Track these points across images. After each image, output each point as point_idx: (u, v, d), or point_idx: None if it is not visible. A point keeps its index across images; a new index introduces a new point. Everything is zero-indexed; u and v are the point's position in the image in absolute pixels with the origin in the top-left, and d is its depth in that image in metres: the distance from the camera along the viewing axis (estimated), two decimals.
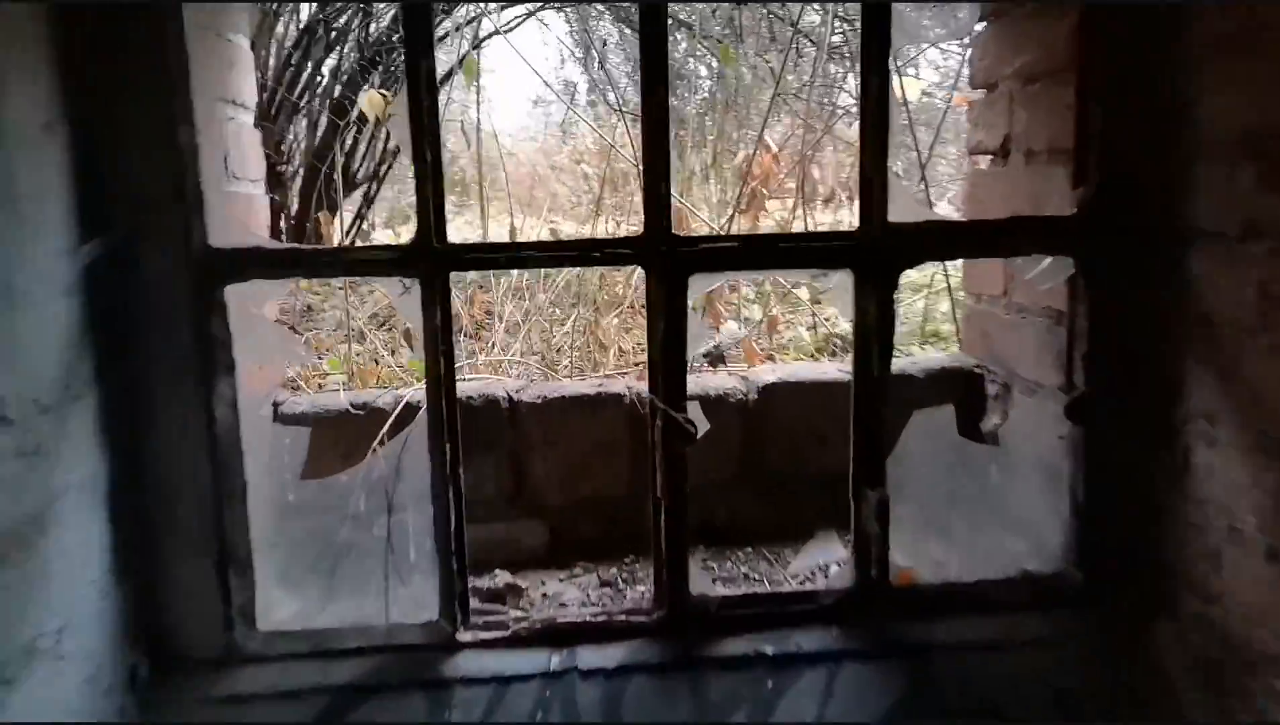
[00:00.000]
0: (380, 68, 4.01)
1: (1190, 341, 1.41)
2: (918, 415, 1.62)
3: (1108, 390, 1.49)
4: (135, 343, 1.34)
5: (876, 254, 1.45)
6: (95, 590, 1.28)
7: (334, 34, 4.10)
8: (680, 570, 1.51)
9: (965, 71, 1.97)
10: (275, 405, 1.76)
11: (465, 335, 2.93)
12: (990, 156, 1.83)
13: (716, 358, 2.34)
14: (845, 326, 2.52)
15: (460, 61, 3.45)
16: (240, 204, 1.60)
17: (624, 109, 4.18)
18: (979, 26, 1.85)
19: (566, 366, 2.45)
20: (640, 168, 1.44)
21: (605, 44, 5.53)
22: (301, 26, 4.05)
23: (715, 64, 4.49)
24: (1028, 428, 1.70)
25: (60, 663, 1.18)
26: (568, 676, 1.45)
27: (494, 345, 2.62)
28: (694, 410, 1.48)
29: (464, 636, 1.49)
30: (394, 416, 1.64)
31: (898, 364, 1.94)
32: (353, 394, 1.78)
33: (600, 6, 4.95)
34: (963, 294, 2.00)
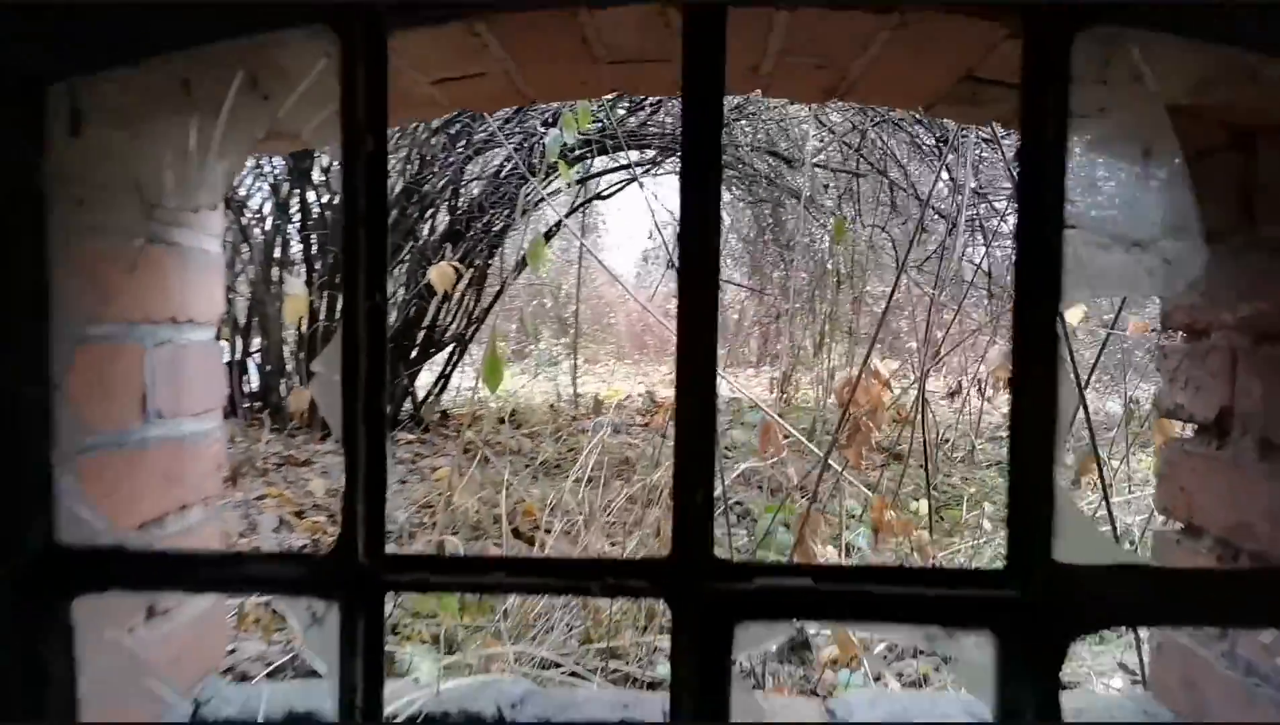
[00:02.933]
0: (462, 240, 3.79)
1: None
2: None
3: None
4: None
5: (1035, 615, 0.93)
6: None
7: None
8: None
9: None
10: (196, 706, 1.32)
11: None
12: (1196, 429, 1.29)
13: (798, 643, 1.79)
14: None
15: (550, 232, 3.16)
16: (161, 454, 1.22)
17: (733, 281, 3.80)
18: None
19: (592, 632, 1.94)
20: (674, 470, 0.98)
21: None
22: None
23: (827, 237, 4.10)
24: None
25: None
26: None
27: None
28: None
29: None
30: None
31: None
32: (291, 688, 1.33)
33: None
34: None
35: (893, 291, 2.76)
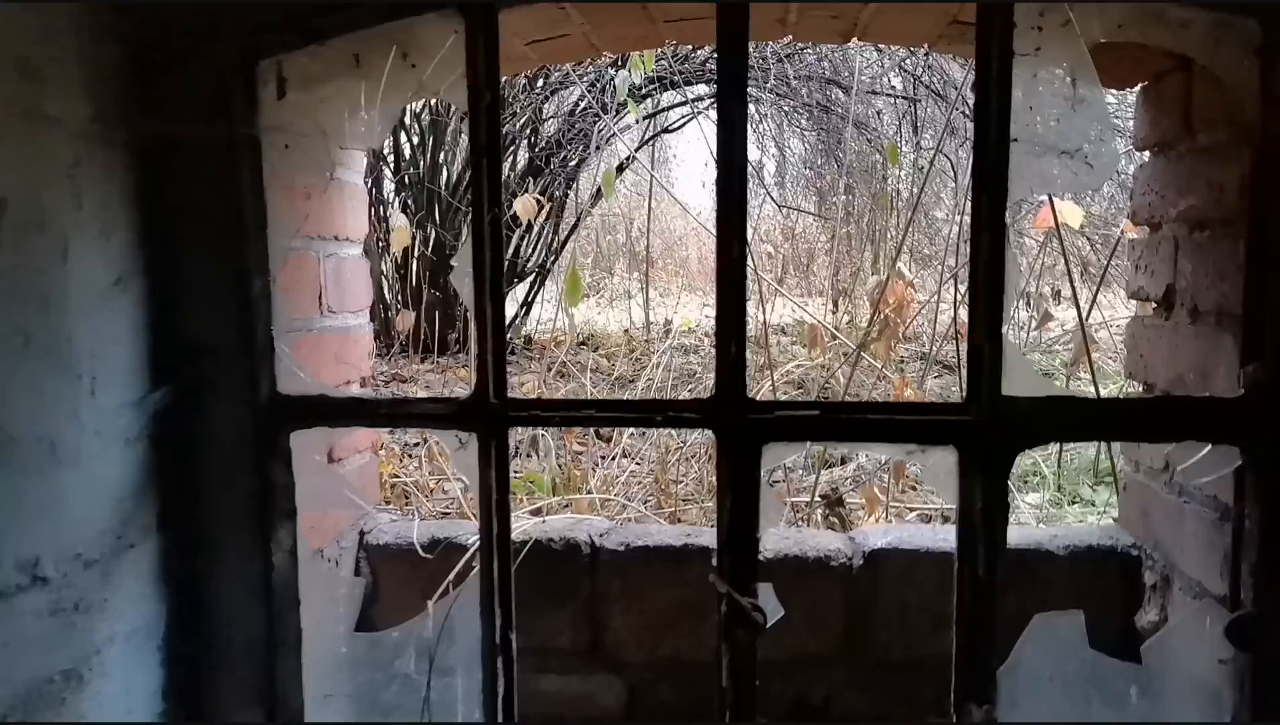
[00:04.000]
0: (541, 175, 4.14)
1: None
2: (1039, 619, 1.37)
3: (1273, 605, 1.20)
4: (197, 490, 1.35)
5: (986, 433, 1.25)
6: None
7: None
8: None
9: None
10: (361, 534, 1.74)
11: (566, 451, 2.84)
12: (1154, 305, 1.57)
13: (834, 501, 2.14)
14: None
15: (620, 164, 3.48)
16: (335, 339, 1.62)
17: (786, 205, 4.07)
18: (1144, 156, 1.61)
19: (667, 500, 2.32)
20: (715, 323, 1.32)
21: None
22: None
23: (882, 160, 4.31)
24: (1184, 641, 1.41)
25: None
26: None
27: (596, 471, 2.53)
28: (766, 593, 1.32)
29: None
30: (461, 564, 1.57)
31: (1034, 536, 1.69)
32: (433, 524, 1.73)
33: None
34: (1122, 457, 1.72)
35: (905, 231, 3.01)
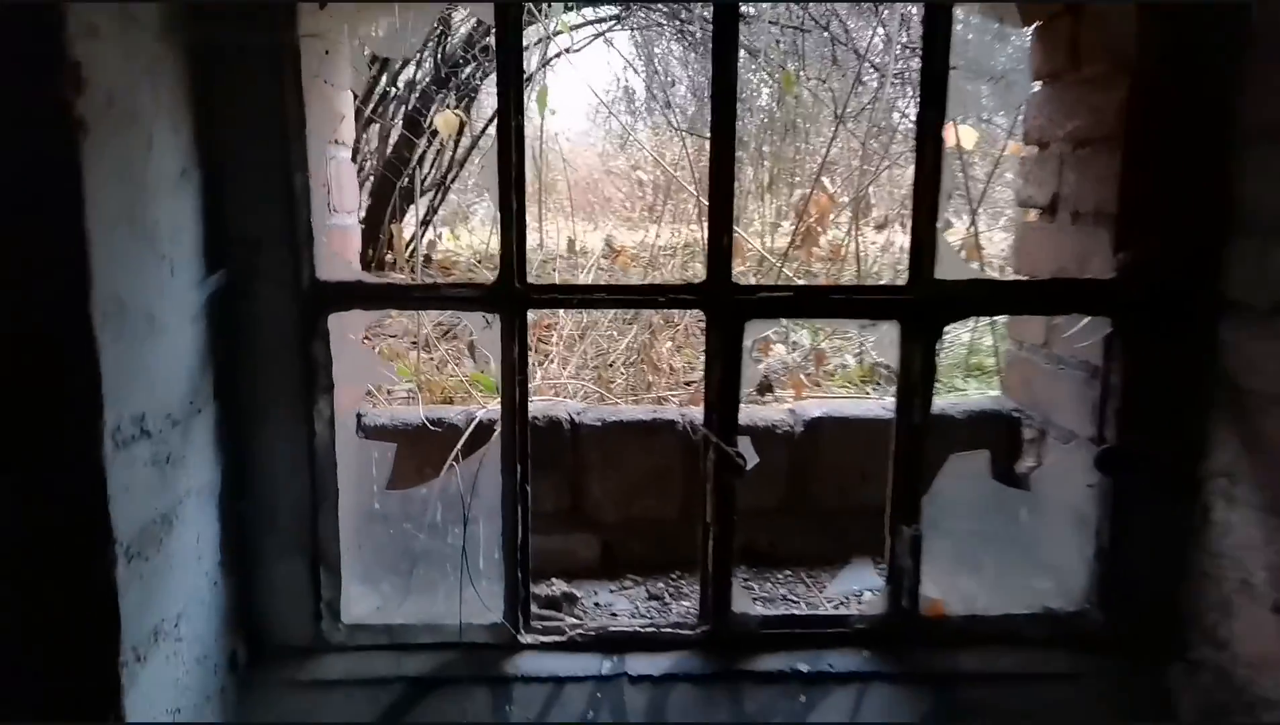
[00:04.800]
0: (452, 84, 4.19)
1: (1216, 405, 1.50)
2: (954, 458, 1.72)
3: (1136, 445, 1.58)
4: (247, 364, 1.50)
5: (922, 309, 1.56)
6: (207, 582, 1.44)
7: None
8: (724, 590, 1.64)
9: (1020, 124, 2.06)
10: (359, 417, 1.91)
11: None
12: (1039, 212, 1.92)
13: (765, 387, 2.45)
14: (890, 356, 2.61)
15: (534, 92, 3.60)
16: (338, 235, 1.76)
17: (682, 129, 4.31)
18: (1035, 86, 1.94)
19: (621, 384, 2.59)
20: (705, 221, 1.56)
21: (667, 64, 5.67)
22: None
23: (776, 87, 4.59)
24: (1059, 474, 1.79)
25: (178, 644, 1.35)
26: (617, 681, 1.59)
27: (552, 358, 2.77)
28: (744, 444, 1.61)
29: (525, 639, 1.63)
30: (467, 434, 1.79)
31: (938, 403, 2.05)
32: (429, 409, 1.93)
33: (665, 25, 5.07)
34: (1006, 337, 2.09)
35: (833, 138, 3.33)
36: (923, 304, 1.56)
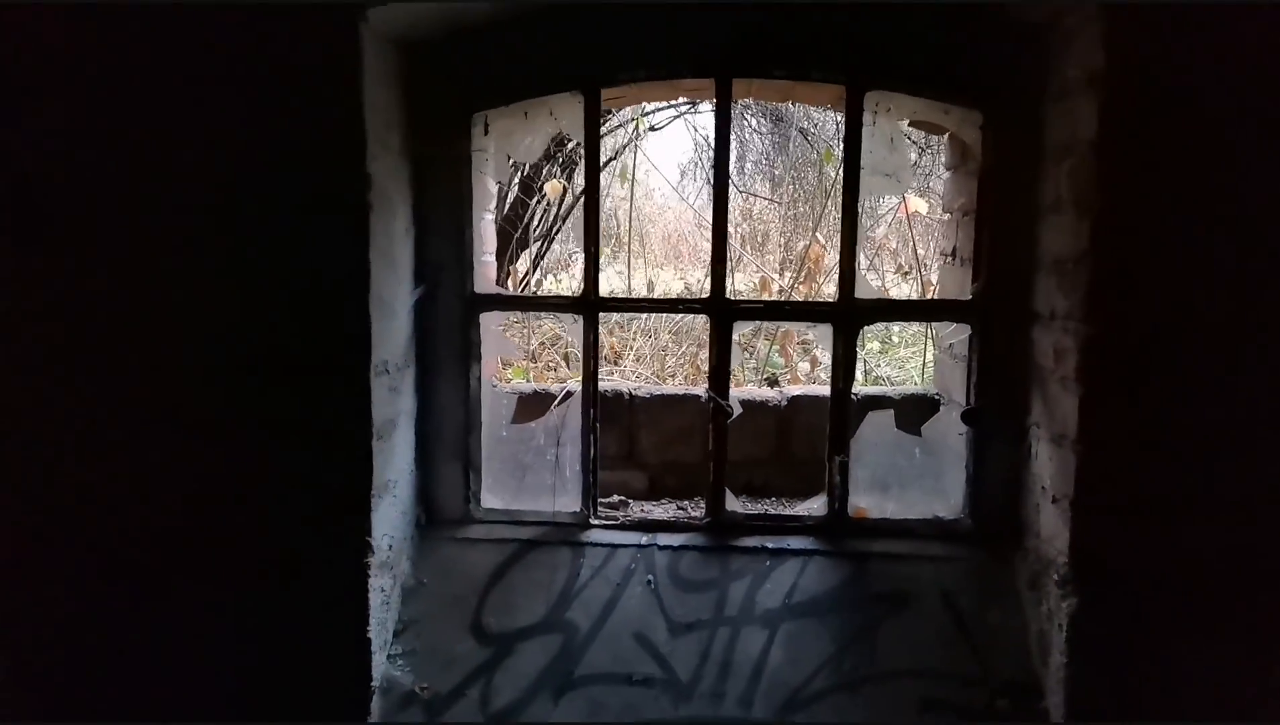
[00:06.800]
0: (559, 157, 5.29)
1: (1030, 378, 2.36)
2: (871, 414, 2.62)
3: (988, 406, 2.45)
4: (433, 340, 2.52)
5: (844, 316, 2.48)
6: (408, 467, 2.45)
7: None
8: (720, 495, 2.56)
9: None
10: (493, 386, 2.92)
11: (606, 360, 4.07)
12: (949, 256, 2.82)
13: (772, 381, 3.36)
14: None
15: (619, 158, 4.66)
16: (486, 267, 2.79)
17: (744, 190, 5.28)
18: (948, 174, 2.85)
19: (675, 378, 3.55)
20: (710, 256, 2.52)
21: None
22: None
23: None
24: (944, 427, 2.66)
25: (395, 498, 2.35)
26: (649, 548, 2.52)
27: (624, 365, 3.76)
28: (736, 405, 2.54)
29: (593, 522, 2.58)
30: (561, 396, 2.77)
31: (881, 388, 2.94)
32: (535, 384, 2.92)
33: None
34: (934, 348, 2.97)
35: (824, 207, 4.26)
36: (845, 313, 2.48)
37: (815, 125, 5.43)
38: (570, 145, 5.56)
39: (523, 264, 4.79)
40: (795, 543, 2.52)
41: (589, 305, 2.51)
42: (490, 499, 2.63)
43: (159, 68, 2.05)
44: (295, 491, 2.16)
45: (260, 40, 2.03)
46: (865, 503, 2.59)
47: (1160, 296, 2.01)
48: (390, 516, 2.32)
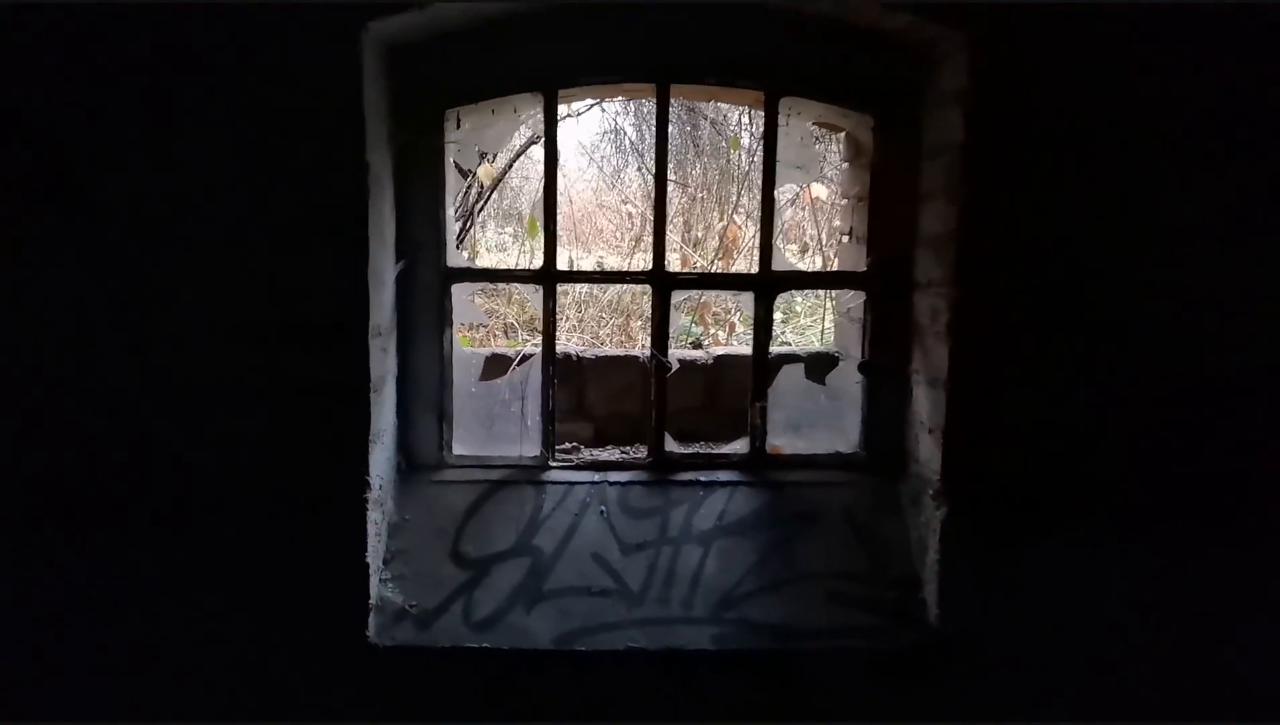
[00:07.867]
0: None
1: (912, 334, 2.90)
2: (785, 368, 3.12)
3: (879, 358, 2.98)
4: (413, 307, 2.89)
5: (764, 285, 2.97)
6: (392, 417, 2.82)
7: None
8: (660, 438, 3.02)
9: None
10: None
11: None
12: (846, 235, 3.34)
13: (696, 343, 3.84)
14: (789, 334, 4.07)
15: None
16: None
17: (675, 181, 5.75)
18: (845, 166, 3.36)
19: (607, 344, 3.99)
20: (652, 233, 2.97)
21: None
22: None
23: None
24: (846, 378, 3.20)
25: (383, 446, 2.72)
26: (601, 484, 2.96)
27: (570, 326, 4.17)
28: (672, 357, 3.00)
29: (552, 463, 3.01)
30: (518, 360, 3.18)
31: (789, 348, 3.44)
32: (494, 348, 3.32)
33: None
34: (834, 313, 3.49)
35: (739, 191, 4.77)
36: (764, 282, 2.97)
37: (723, 116, 5.92)
38: None
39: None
40: (724, 476, 3.00)
41: (549, 277, 2.92)
42: (460, 448, 3.02)
43: (189, 67, 2.37)
44: (309, 437, 2.51)
45: (280, 48, 2.37)
46: (780, 441, 3.10)
47: (1013, 267, 2.56)
48: (380, 461, 2.69)
